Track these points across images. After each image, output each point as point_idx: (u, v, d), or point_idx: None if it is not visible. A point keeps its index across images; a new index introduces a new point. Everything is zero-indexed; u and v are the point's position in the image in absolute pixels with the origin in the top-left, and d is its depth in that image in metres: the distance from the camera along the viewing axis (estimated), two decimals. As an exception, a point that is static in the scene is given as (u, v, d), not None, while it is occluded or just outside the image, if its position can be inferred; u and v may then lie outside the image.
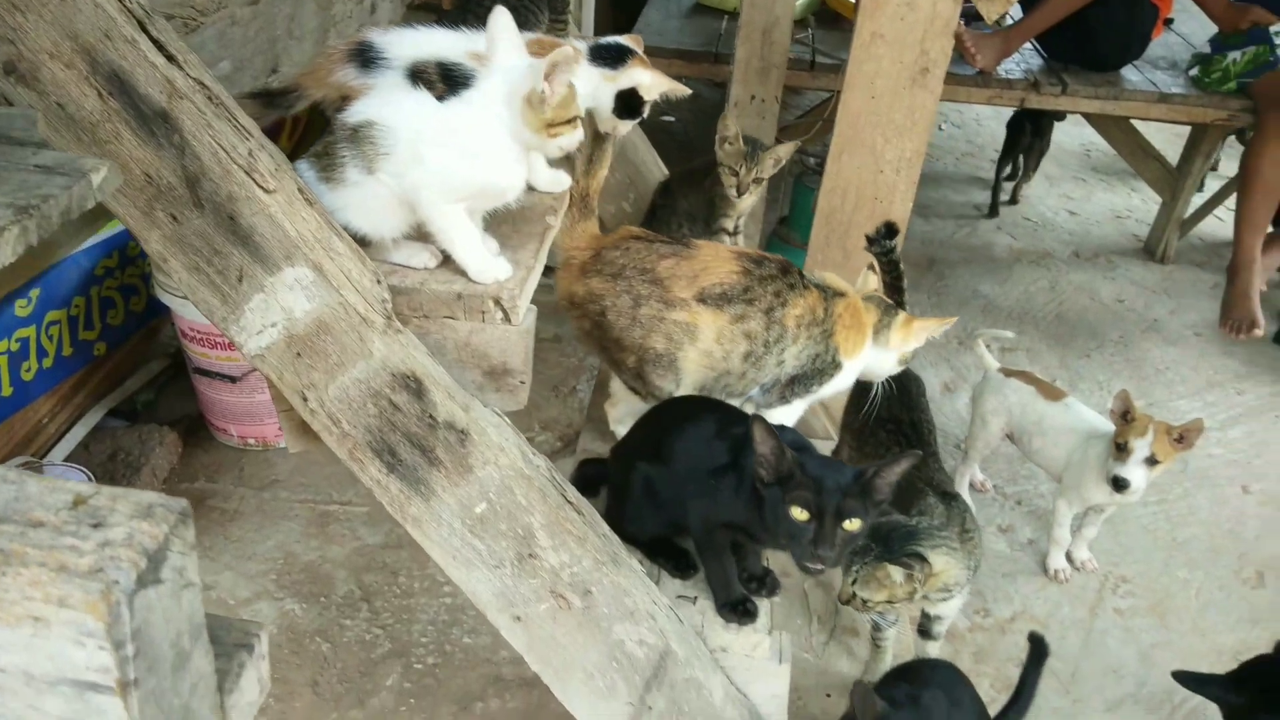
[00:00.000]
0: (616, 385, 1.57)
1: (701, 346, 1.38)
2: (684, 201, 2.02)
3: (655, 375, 1.41)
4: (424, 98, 1.14)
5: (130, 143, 1.00)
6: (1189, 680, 1.63)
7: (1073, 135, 4.73)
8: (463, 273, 1.18)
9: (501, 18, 1.16)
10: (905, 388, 1.80)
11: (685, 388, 1.44)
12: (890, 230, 1.80)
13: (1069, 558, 2.40)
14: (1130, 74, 3.30)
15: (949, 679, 1.48)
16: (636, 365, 1.42)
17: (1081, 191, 4.34)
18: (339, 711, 1.91)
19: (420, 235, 1.20)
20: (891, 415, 1.78)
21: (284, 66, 1.53)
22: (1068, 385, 3.01)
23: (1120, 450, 2.03)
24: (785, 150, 2.10)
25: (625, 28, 3.47)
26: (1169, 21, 3.65)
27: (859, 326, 1.51)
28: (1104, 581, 2.39)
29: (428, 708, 1.91)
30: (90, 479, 2.09)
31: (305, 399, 1.10)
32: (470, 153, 1.13)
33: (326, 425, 1.11)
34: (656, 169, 2.28)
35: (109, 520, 0.57)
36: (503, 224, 1.28)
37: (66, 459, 2.24)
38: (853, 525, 1.13)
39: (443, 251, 1.20)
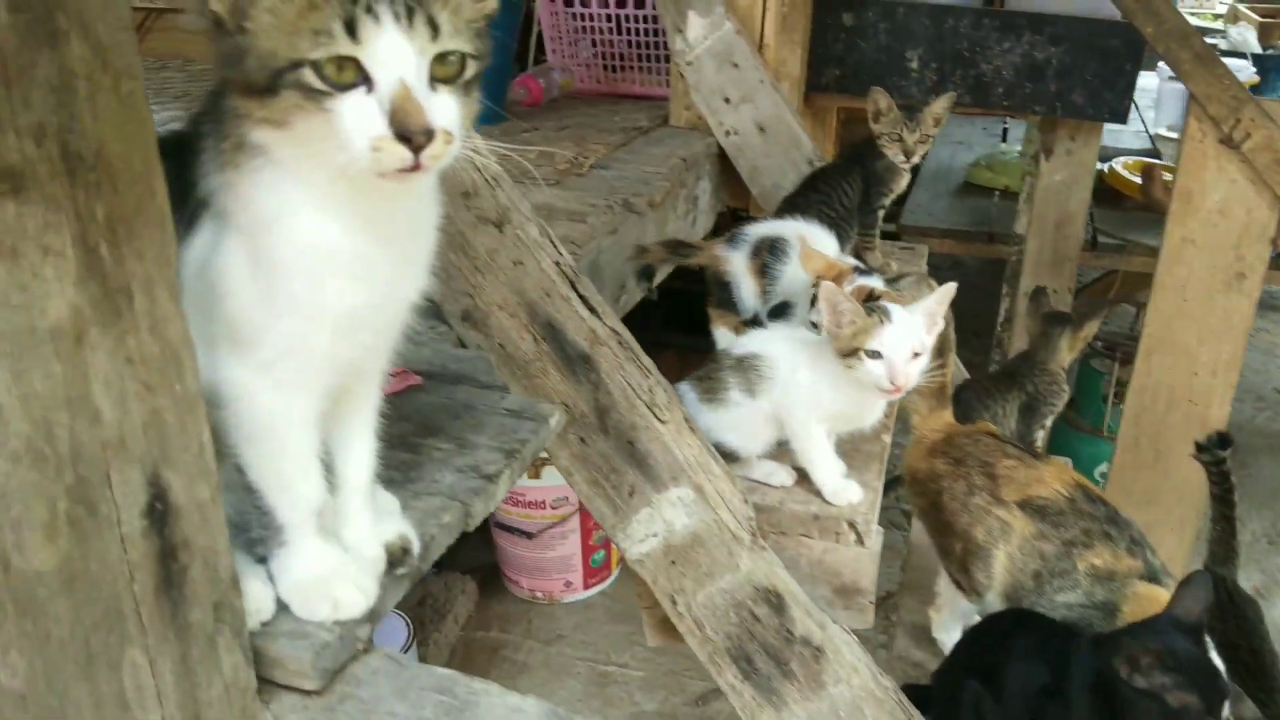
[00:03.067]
0: (942, 585, 1.60)
1: (1009, 549, 1.41)
2: (838, 202, 1.95)
3: (975, 568, 1.44)
4: (798, 332, 1.29)
5: (555, 379, 1.20)
6: None
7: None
8: (817, 493, 1.29)
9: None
10: (1241, 612, 1.69)
11: (995, 590, 1.45)
12: (1223, 440, 1.74)
13: None
14: None
15: None
16: (962, 554, 1.46)
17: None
18: None
19: (775, 454, 1.33)
20: (1228, 641, 1.67)
21: (629, 284, 1.75)
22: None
23: None
24: (942, 106, 1.96)
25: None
26: None
27: None
28: None
29: None
30: (409, 627, 2.32)
31: (674, 602, 1.23)
32: (832, 378, 1.26)
33: (691, 629, 1.23)
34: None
35: None
36: (843, 442, 1.39)
37: (391, 603, 2.50)
38: None
39: (796, 469, 1.31)
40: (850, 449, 1.40)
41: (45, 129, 0.48)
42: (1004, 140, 4.35)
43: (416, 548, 0.84)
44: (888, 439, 1.45)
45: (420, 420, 1.01)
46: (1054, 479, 1.42)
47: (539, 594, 2.71)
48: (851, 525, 1.25)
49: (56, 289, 0.50)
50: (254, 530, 0.76)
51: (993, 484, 1.44)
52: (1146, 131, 4.10)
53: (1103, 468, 2.87)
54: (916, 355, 1.20)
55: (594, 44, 2.71)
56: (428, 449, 0.96)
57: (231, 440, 0.69)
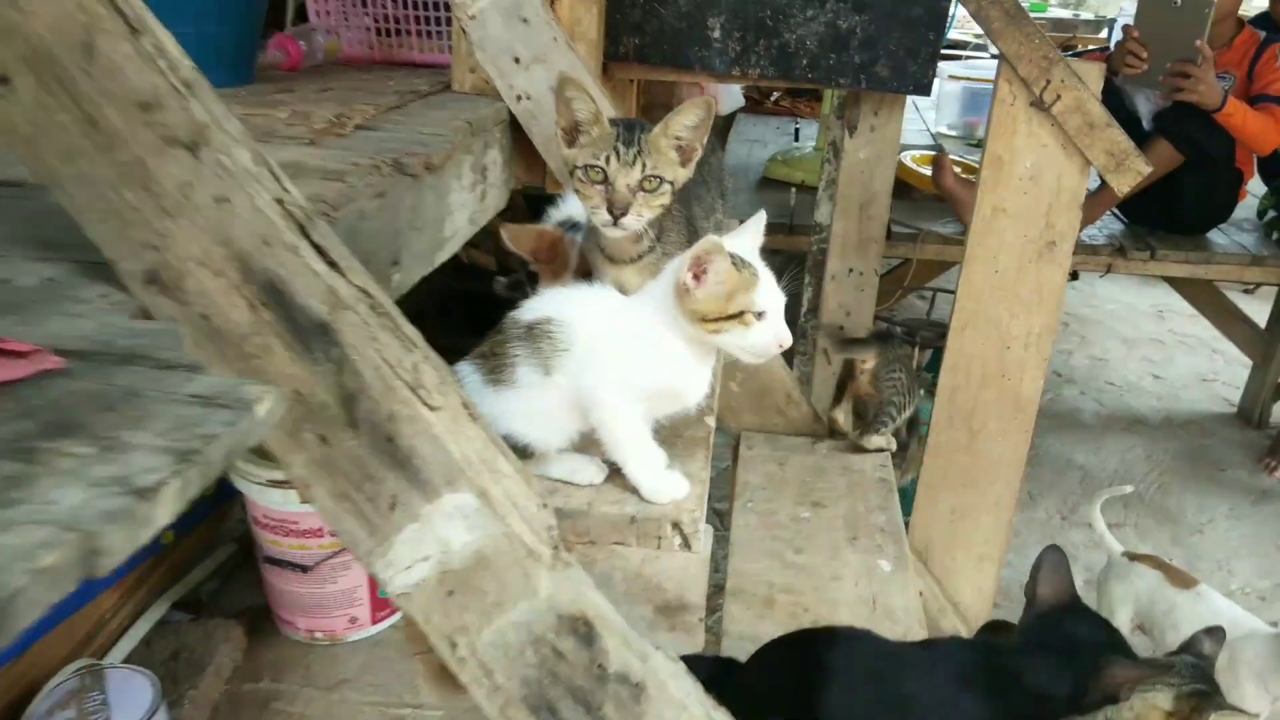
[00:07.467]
0: None
1: None
2: None
3: None
4: (604, 293, 1.04)
5: (282, 358, 0.89)
6: None
7: (1144, 296, 4.64)
8: (634, 490, 1.05)
9: None
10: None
11: None
12: None
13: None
14: (1216, 237, 3.23)
15: None
16: None
17: (1162, 354, 4.21)
18: None
19: (580, 446, 1.07)
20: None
21: (404, 258, 1.45)
22: (1185, 564, 2.79)
23: None
24: (690, 119, 1.10)
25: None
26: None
27: None
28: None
29: None
30: (156, 685, 1.90)
31: (454, 645, 0.94)
32: (651, 349, 1.02)
33: (476, 676, 0.95)
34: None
35: None
36: (660, 428, 1.16)
37: (127, 659, 2.05)
38: None
39: (608, 464, 1.06)
40: (669, 435, 1.17)
41: None
42: (796, 139, 4.37)
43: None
44: (711, 421, 1.23)
45: (50, 416, 0.68)
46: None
47: (319, 634, 2.32)
48: (676, 527, 1.01)
49: None
50: None
51: None
52: (929, 130, 4.26)
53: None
54: None
55: (365, 4, 2.39)
56: (51, 456, 0.63)
57: None
